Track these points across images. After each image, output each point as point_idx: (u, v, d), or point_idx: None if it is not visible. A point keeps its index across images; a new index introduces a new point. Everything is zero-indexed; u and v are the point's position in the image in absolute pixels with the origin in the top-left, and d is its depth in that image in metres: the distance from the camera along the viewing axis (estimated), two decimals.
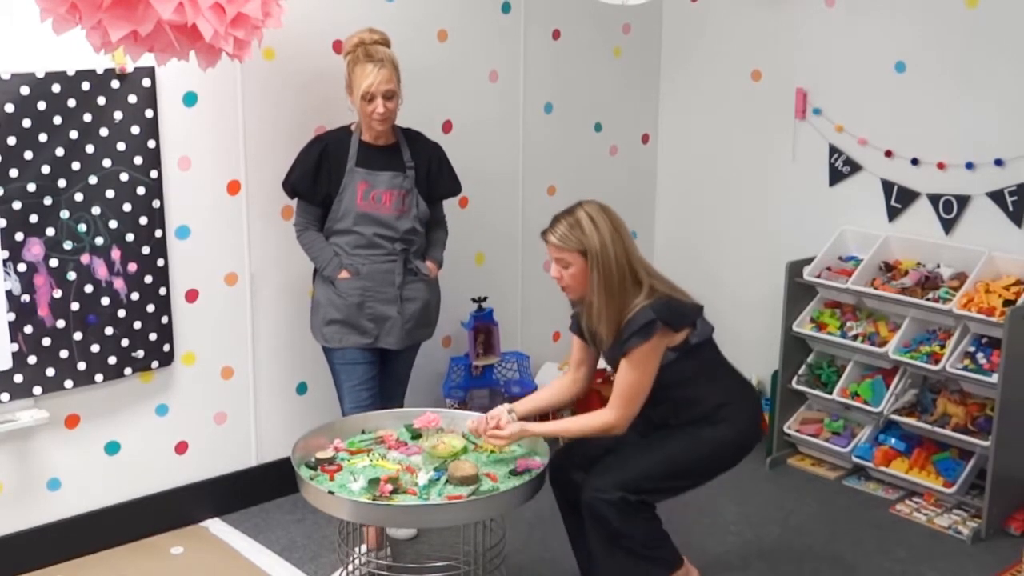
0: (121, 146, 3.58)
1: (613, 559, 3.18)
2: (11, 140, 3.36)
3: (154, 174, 3.68)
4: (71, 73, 3.44)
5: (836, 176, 4.59)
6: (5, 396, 3.48)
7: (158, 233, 3.72)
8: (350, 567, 3.29)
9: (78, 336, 3.59)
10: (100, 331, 3.63)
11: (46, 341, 3.53)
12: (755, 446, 3.34)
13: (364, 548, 3.49)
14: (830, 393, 4.41)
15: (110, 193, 3.58)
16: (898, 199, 4.41)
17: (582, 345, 3.36)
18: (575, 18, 4.76)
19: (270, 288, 4.07)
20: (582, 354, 3.39)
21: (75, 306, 3.57)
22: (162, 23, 2.69)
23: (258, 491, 4.16)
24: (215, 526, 4.02)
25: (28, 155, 3.40)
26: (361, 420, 3.40)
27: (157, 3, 2.65)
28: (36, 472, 3.66)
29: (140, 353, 3.74)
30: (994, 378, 3.88)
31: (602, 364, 3.45)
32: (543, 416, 3.54)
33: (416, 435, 3.29)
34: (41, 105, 3.40)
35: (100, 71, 3.50)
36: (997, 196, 4.13)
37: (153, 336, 3.77)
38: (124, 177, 3.61)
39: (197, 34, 2.78)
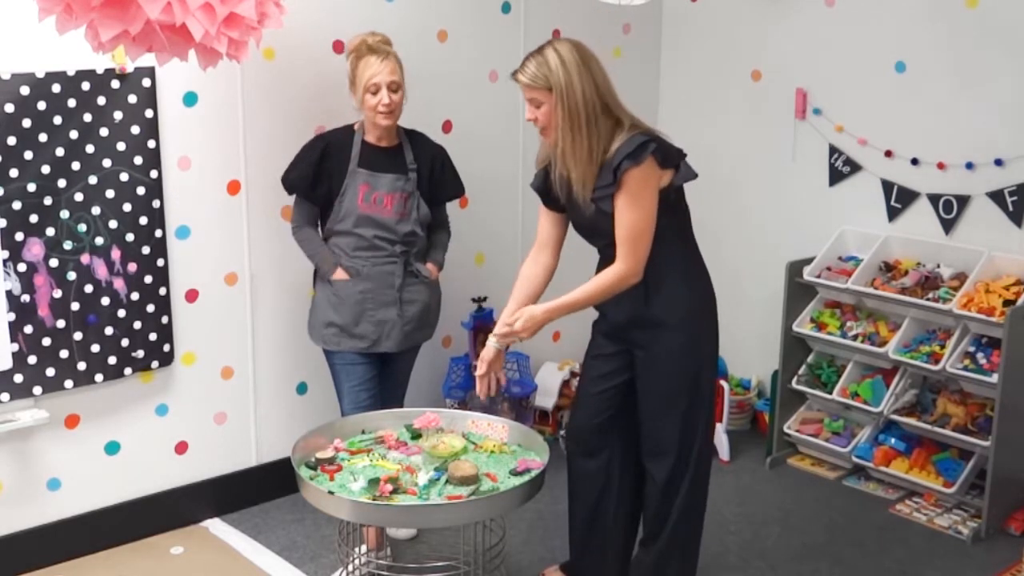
0: (121, 146, 3.58)
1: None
2: (11, 140, 3.36)
3: (154, 174, 3.68)
4: (71, 73, 3.44)
5: (836, 176, 4.59)
6: (5, 396, 3.48)
7: (158, 233, 3.72)
8: (350, 567, 3.28)
9: (78, 336, 3.59)
10: (100, 331, 3.63)
11: (46, 341, 3.53)
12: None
13: (364, 548, 3.48)
14: (830, 393, 4.41)
15: (110, 193, 3.58)
16: (898, 199, 4.40)
17: (549, 219, 3.29)
18: (575, 18, 4.75)
19: (270, 288, 4.07)
20: (549, 231, 3.30)
21: (75, 306, 3.57)
22: (151, 23, 2.68)
23: (258, 491, 4.16)
24: (215, 526, 4.02)
25: (28, 155, 3.40)
26: (361, 420, 3.40)
27: (145, 3, 2.63)
28: (36, 472, 3.66)
29: (140, 353, 3.75)
30: (994, 378, 3.88)
31: None
32: None
33: (416, 435, 3.29)
34: (41, 105, 3.40)
35: (100, 71, 3.50)
36: (997, 196, 4.13)
37: (153, 336, 3.77)
38: (124, 177, 3.60)
39: (190, 34, 2.78)
